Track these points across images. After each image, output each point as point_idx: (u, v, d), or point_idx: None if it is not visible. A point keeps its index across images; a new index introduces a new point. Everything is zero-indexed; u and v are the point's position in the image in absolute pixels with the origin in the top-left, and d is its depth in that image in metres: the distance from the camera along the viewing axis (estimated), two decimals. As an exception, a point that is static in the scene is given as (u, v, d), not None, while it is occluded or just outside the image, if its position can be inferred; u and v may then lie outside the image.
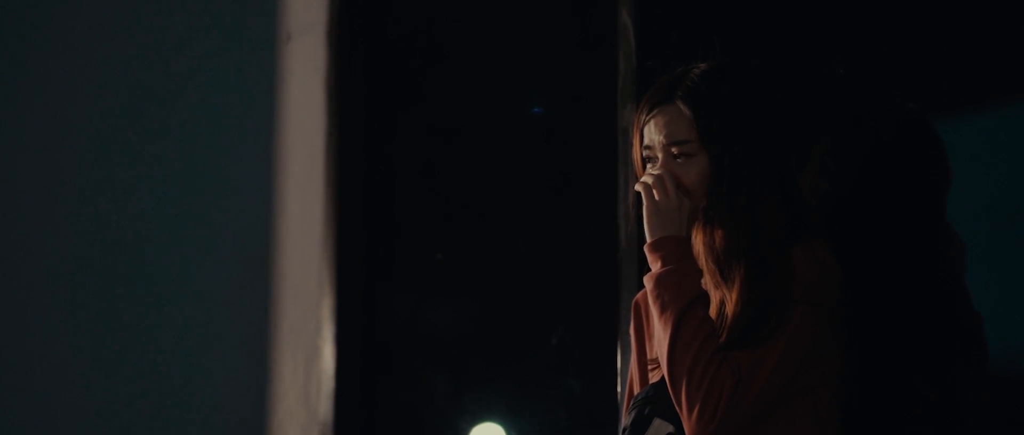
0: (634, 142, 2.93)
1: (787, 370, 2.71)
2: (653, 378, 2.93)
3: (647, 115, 2.89)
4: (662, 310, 2.78)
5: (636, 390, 2.99)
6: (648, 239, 2.85)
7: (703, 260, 2.83)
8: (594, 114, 3.91)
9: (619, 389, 3.60)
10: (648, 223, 2.84)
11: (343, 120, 4.43)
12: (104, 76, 4.86)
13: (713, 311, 2.79)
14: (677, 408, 2.74)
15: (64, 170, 4.87)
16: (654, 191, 2.83)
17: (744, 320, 2.73)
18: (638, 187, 2.88)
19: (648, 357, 2.98)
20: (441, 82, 4.43)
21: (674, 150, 2.85)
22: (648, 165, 2.89)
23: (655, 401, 2.84)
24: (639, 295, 3.04)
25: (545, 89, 4.17)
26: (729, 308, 2.77)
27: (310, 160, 4.44)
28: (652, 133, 2.87)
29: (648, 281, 2.82)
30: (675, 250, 2.81)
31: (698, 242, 2.85)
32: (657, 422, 2.82)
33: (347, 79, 4.45)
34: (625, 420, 2.88)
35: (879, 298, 2.96)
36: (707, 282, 2.83)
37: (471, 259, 4.31)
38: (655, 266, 2.83)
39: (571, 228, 4.05)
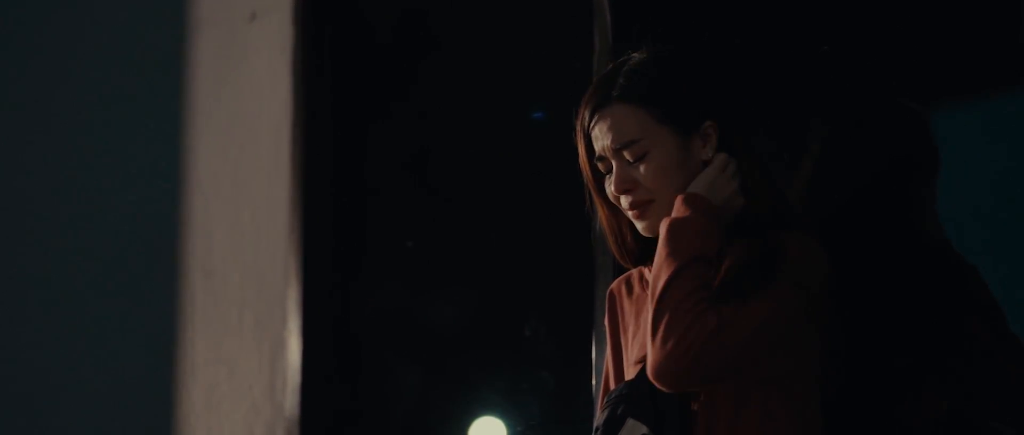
0: (579, 147, 2.87)
1: (765, 338, 2.63)
2: (629, 374, 2.85)
3: (590, 121, 2.83)
4: (672, 250, 2.68)
5: (611, 385, 2.92)
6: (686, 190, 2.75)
7: None
8: (567, 97, 3.85)
9: (594, 382, 3.55)
10: (698, 181, 2.75)
11: (310, 103, 4.36)
12: (51, 61, 4.82)
13: None
14: (649, 341, 2.65)
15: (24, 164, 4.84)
16: (727, 168, 2.75)
17: (729, 281, 2.68)
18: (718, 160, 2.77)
19: (624, 350, 2.92)
20: (412, 65, 4.36)
21: (626, 154, 2.78)
22: (607, 178, 2.83)
23: (629, 400, 2.75)
24: (614, 284, 2.99)
25: (518, 72, 4.11)
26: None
27: (275, 144, 4.37)
28: (599, 140, 2.81)
29: (665, 223, 2.72)
30: (708, 209, 2.71)
31: None
32: (630, 422, 2.73)
33: (315, 61, 4.38)
34: (598, 418, 2.79)
35: (869, 292, 2.92)
36: None
37: (442, 248, 4.25)
38: (681, 213, 2.72)
39: (544, 215, 3.99)
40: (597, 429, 2.76)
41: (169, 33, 4.61)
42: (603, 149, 2.81)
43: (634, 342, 2.87)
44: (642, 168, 2.77)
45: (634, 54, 2.84)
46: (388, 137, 4.37)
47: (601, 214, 2.92)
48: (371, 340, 4.31)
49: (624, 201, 2.81)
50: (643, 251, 2.91)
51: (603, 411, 2.78)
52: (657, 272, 2.68)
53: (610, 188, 2.82)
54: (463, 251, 4.20)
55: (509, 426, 4.02)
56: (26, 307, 4.75)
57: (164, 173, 4.57)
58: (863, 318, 2.89)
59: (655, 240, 2.87)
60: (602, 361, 3.04)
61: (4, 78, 4.87)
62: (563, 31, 3.97)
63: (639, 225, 2.82)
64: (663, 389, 2.65)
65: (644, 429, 2.69)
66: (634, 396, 2.74)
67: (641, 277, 2.93)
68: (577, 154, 2.92)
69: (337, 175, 4.38)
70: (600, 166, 2.84)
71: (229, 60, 4.49)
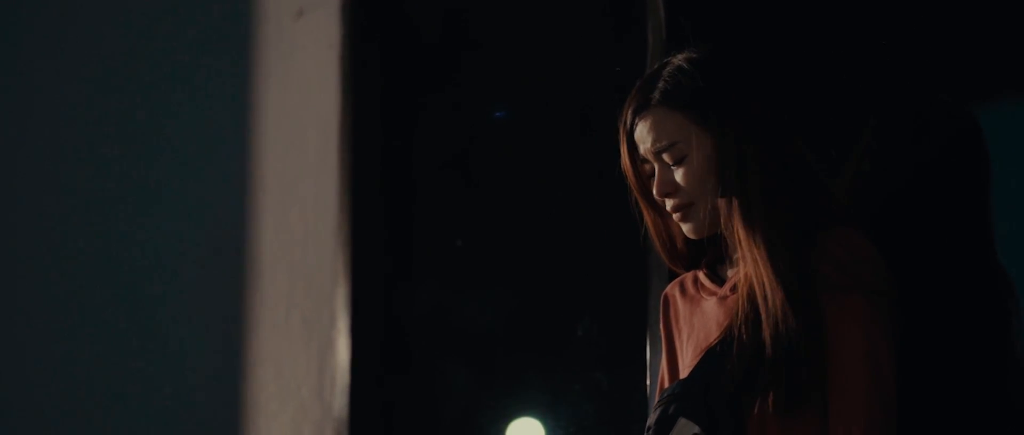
0: (622, 148, 2.83)
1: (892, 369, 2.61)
2: (684, 375, 2.80)
3: (631, 123, 2.81)
4: None
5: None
6: None
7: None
8: (621, 97, 3.85)
9: (648, 382, 3.52)
10: None
11: (359, 100, 4.35)
12: (99, 60, 4.83)
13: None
14: None
15: (58, 161, 4.88)
16: None
17: (782, 308, 2.60)
18: None
19: (679, 354, 2.87)
20: (463, 61, 4.35)
21: (665, 157, 2.76)
22: (652, 180, 2.81)
23: (681, 398, 2.70)
24: (667, 289, 2.94)
25: (570, 70, 4.09)
26: (769, 301, 2.64)
27: (324, 142, 4.36)
28: (642, 143, 2.79)
29: None
30: None
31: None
32: (682, 421, 2.68)
33: (363, 57, 4.37)
34: (651, 417, 2.75)
35: (932, 296, 2.84)
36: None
37: (493, 247, 4.23)
38: None
39: (596, 214, 3.96)
40: (649, 428, 2.72)
41: (215, 30, 4.61)
42: (645, 151, 2.79)
43: (689, 345, 2.83)
44: (681, 171, 2.75)
45: (675, 57, 2.81)
46: (437, 135, 4.35)
47: (647, 217, 2.89)
48: (420, 340, 4.30)
49: (668, 204, 2.80)
50: (693, 255, 2.88)
51: (655, 410, 2.74)
52: None
53: (654, 190, 2.81)
54: (513, 250, 4.19)
55: (560, 427, 4.00)
56: (78, 307, 4.77)
57: (211, 172, 4.58)
58: (914, 316, 2.84)
59: (705, 242, 2.84)
60: (655, 362, 3.02)
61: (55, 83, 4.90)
62: (616, 28, 3.94)
63: (684, 228, 2.80)
64: None
65: (696, 428, 2.65)
66: (686, 395, 2.69)
67: (695, 280, 2.89)
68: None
69: (385, 173, 4.37)
70: (645, 167, 2.82)
71: (276, 57, 4.48)
